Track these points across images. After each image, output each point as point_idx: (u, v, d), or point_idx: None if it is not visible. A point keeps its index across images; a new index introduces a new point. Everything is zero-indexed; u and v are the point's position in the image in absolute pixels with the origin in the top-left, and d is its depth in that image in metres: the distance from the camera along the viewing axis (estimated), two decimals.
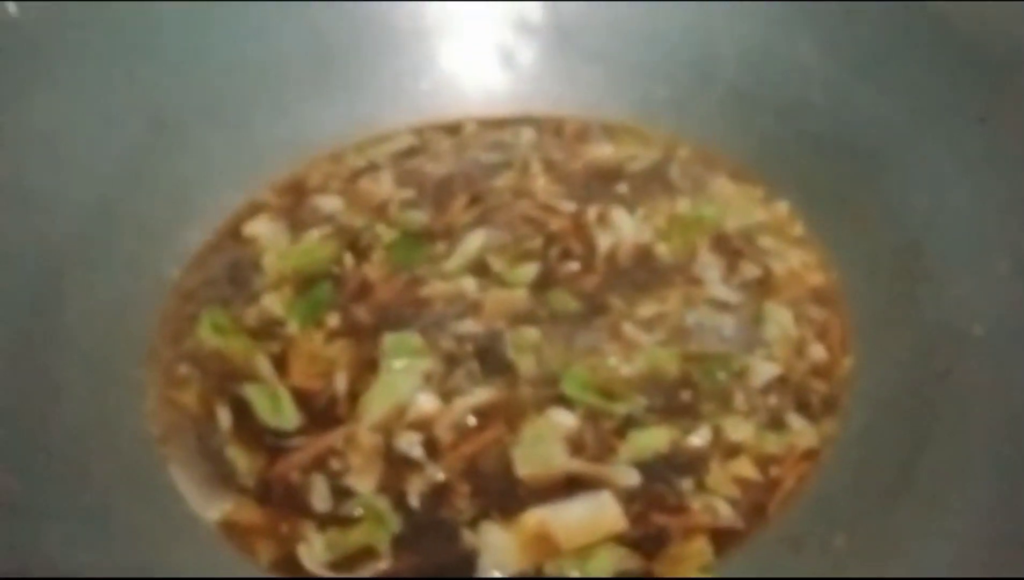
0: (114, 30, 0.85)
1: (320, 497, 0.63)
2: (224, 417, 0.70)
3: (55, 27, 0.81)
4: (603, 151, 0.95)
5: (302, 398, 0.71)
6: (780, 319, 0.74)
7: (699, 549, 0.59)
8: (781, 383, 0.69)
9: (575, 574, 0.58)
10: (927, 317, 0.69)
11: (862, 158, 0.82)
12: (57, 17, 0.81)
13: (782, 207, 0.85)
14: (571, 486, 0.63)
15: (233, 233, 0.88)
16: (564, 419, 0.68)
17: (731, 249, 0.82)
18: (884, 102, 0.81)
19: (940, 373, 0.65)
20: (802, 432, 0.66)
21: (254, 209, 0.90)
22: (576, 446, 0.66)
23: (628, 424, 0.67)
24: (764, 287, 0.77)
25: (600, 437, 0.67)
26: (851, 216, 0.80)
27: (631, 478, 0.63)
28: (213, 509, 0.64)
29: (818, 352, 0.71)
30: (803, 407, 0.68)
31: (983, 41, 0.75)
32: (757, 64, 0.91)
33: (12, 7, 0.78)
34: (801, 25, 0.87)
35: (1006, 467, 0.57)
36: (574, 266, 0.81)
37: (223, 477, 0.66)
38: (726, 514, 0.61)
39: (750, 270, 0.79)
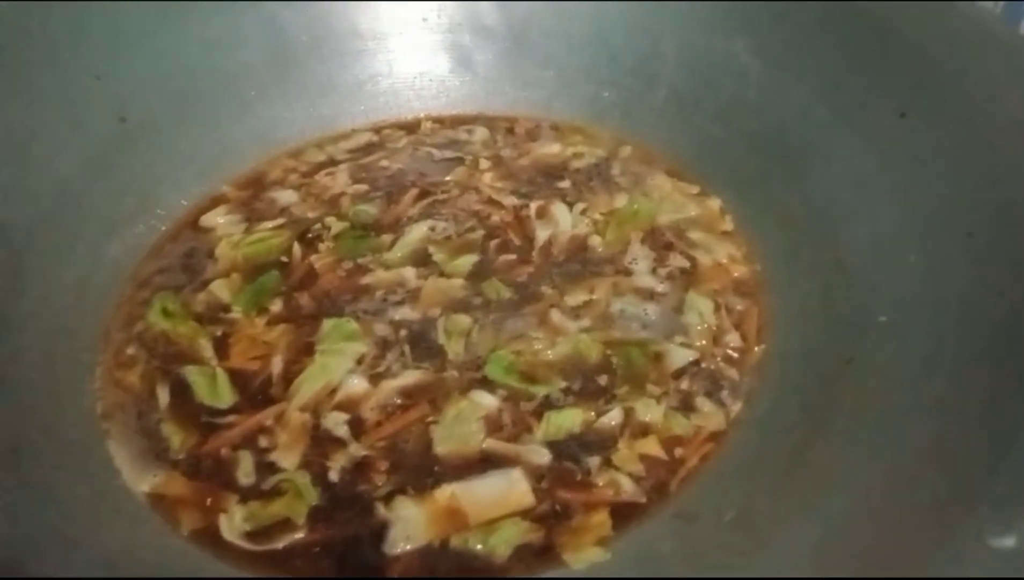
0: (79, 28, 0.89)
1: (245, 472, 0.67)
2: (163, 395, 0.73)
3: (20, 24, 0.85)
4: (551, 149, 0.99)
5: (239, 379, 0.74)
6: (701, 308, 0.76)
7: (599, 522, 0.61)
8: (695, 368, 0.72)
9: (478, 547, 0.60)
10: (838, 306, 0.72)
11: (790, 155, 0.84)
12: (22, 15, 0.85)
13: (714, 203, 0.88)
14: (485, 463, 0.66)
15: (191, 224, 0.92)
16: (485, 400, 0.70)
17: (662, 242, 0.84)
18: (812, 100, 0.84)
19: (845, 360, 0.67)
20: (710, 415, 0.68)
21: (214, 201, 0.94)
22: (494, 426, 0.69)
23: (545, 405, 0.70)
24: (689, 278, 0.80)
25: (518, 417, 0.69)
26: (777, 211, 0.82)
27: (542, 457, 0.66)
28: (144, 482, 0.67)
29: (734, 340, 0.74)
30: (714, 392, 0.70)
31: (905, 39, 0.77)
32: (697, 66, 0.94)
33: None
34: (737, 28, 0.90)
35: (895, 452, 0.58)
36: (511, 257, 0.84)
37: (157, 452, 0.69)
38: (629, 489, 0.63)
39: (678, 262, 0.82)
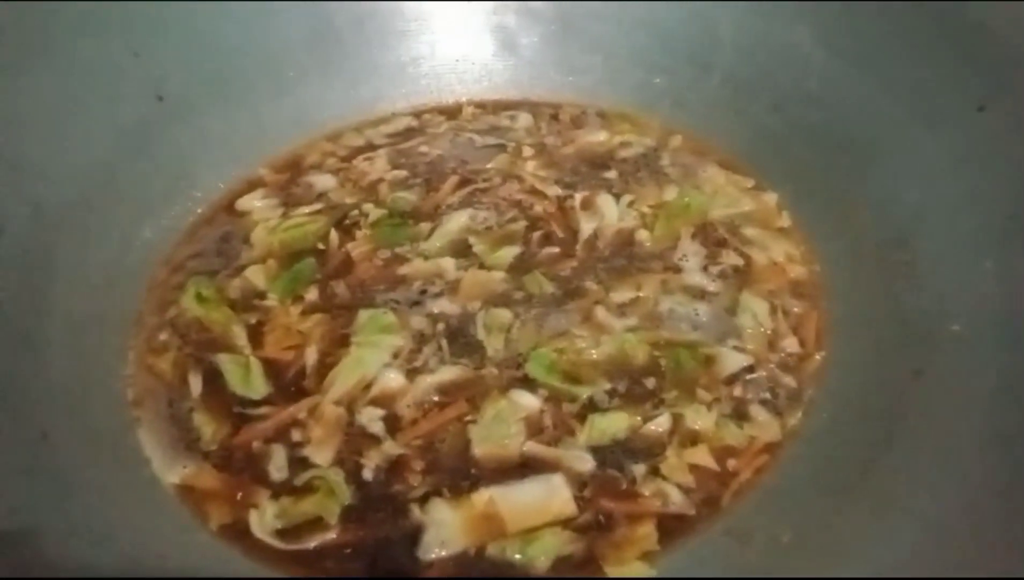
0: (117, 5, 0.87)
1: (277, 466, 0.64)
2: (195, 384, 0.71)
3: (59, 2, 0.83)
4: (596, 137, 0.95)
5: (273, 369, 0.72)
6: (755, 310, 0.72)
7: (644, 535, 0.58)
8: (749, 374, 0.68)
9: (516, 556, 0.58)
10: (906, 314, 0.67)
11: (854, 151, 0.79)
12: None
13: (770, 198, 0.83)
14: (525, 468, 0.63)
15: (227, 207, 0.90)
16: (526, 401, 0.67)
17: (714, 238, 0.80)
18: (880, 93, 0.79)
19: (913, 372, 0.63)
20: (765, 425, 0.65)
21: (250, 185, 0.92)
22: (535, 428, 0.66)
23: (589, 408, 0.67)
24: (743, 277, 0.76)
25: (560, 420, 0.66)
26: (838, 209, 0.78)
27: (585, 463, 0.63)
28: (173, 473, 0.65)
29: (791, 345, 0.70)
30: (769, 400, 0.66)
31: (983, 30, 0.72)
32: (754, 54, 0.89)
33: None
34: (799, 15, 0.85)
35: (966, 476, 0.54)
36: (554, 250, 0.81)
37: (188, 442, 0.68)
38: (677, 500, 0.60)
39: (731, 259, 0.78)
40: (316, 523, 0.61)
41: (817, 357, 0.69)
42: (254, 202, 0.89)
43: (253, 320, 0.76)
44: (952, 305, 0.64)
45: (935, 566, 0.50)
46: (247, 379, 0.71)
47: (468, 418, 0.67)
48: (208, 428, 0.68)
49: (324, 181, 0.91)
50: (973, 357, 0.60)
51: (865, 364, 0.66)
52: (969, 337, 0.61)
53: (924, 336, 0.64)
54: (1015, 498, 0.52)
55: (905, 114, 0.76)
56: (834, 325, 0.70)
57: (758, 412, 0.65)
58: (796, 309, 0.73)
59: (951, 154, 0.72)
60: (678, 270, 0.77)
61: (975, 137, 0.70)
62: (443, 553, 0.59)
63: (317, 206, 0.88)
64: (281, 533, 0.61)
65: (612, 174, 0.89)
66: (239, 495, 0.63)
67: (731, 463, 0.62)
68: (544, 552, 0.58)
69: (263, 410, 0.69)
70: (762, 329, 0.71)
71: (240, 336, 0.75)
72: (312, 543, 0.60)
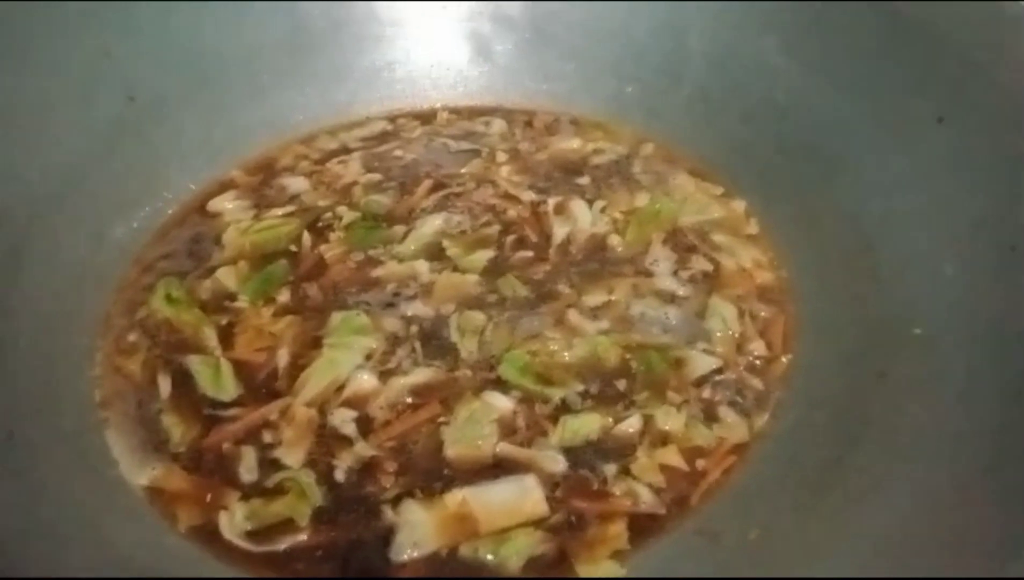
0: (90, 8, 0.86)
1: (247, 468, 0.64)
2: (164, 385, 0.71)
3: (30, 2, 0.82)
4: (570, 144, 0.96)
5: (244, 371, 0.71)
6: (724, 314, 0.73)
7: (615, 534, 0.59)
8: (717, 376, 0.69)
9: (488, 556, 0.58)
10: (870, 317, 0.69)
11: (821, 159, 0.81)
12: None
13: (738, 205, 0.85)
14: (498, 469, 0.63)
15: (199, 208, 0.89)
16: (499, 402, 0.68)
17: (684, 244, 0.82)
18: (845, 104, 0.81)
19: (877, 374, 0.64)
20: (733, 426, 0.66)
21: (222, 186, 0.92)
22: (508, 429, 0.66)
23: (562, 409, 0.67)
24: (712, 282, 0.77)
25: (533, 421, 0.67)
26: (805, 216, 0.79)
27: (557, 464, 0.64)
28: (142, 475, 0.65)
29: (759, 348, 0.71)
30: (737, 402, 0.67)
31: (943, 45, 0.74)
32: (724, 65, 0.91)
33: None
34: (767, 27, 0.87)
35: (929, 473, 0.56)
36: (528, 254, 0.82)
37: (156, 444, 0.67)
38: (647, 500, 0.61)
39: (700, 265, 0.79)
40: (287, 525, 0.61)
41: (784, 360, 0.70)
42: (225, 204, 0.89)
43: (224, 321, 0.76)
44: (915, 309, 0.66)
45: (899, 561, 0.51)
46: (217, 380, 0.70)
47: (441, 419, 0.67)
48: (177, 430, 0.67)
49: (297, 184, 0.91)
50: (935, 359, 0.62)
51: (831, 367, 0.68)
52: (931, 339, 0.63)
53: (888, 339, 0.66)
54: (976, 496, 0.53)
55: (869, 125, 0.79)
56: (801, 329, 0.72)
57: (726, 413, 0.66)
58: (764, 313, 0.74)
59: (913, 164, 0.74)
60: (649, 274, 0.79)
61: (936, 147, 0.73)
62: (415, 554, 0.59)
63: (290, 208, 0.88)
64: (251, 535, 0.60)
65: (585, 180, 0.90)
66: (208, 497, 0.63)
67: (700, 463, 0.63)
68: (516, 552, 0.58)
69: (233, 411, 0.68)
70: (730, 332, 0.72)
71: (210, 337, 0.74)
72: (283, 545, 0.60)
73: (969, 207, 0.68)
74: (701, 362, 0.70)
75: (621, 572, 0.57)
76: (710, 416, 0.66)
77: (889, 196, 0.75)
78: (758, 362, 0.70)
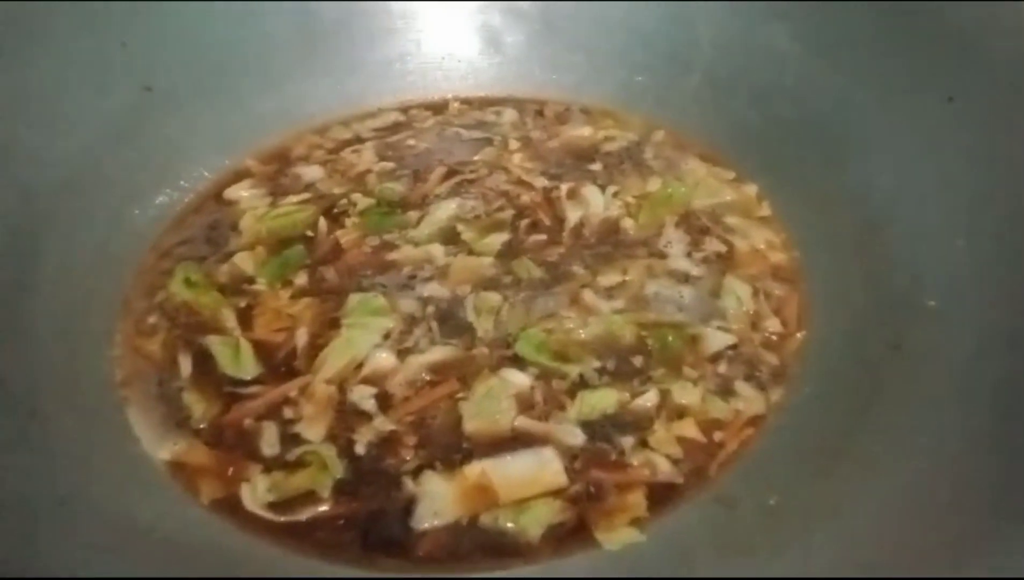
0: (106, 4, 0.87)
1: (269, 443, 0.65)
2: (185, 364, 0.71)
3: None
4: (581, 132, 0.97)
5: (263, 350, 0.72)
6: (739, 292, 0.74)
7: (634, 502, 0.59)
8: (733, 353, 0.70)
9: (509, 525, 0.58)
10: (883, 292, 0.69)
11: (830, 141, 0.82)
12: None
13: (750, 189, 0.85)
14: (516, 442, 0.64)
15: (215, 196, 0.90)
16: (516, 378, 0.68)
17: (697, 226, 0.82)
18: (854, 87, 0.82)
19: (891, 345, 0.65)
20: (750, 399, 0.66)
21: (238, 175, 0.93)
22: (526, 404, 0.67)
23: (579, 385, 0.68)
24: (726, 262, 0.78)
25: (550, 396, 0.67)
26: (816, 198, 0.80)
27: (575, 437, 0.64)
28: (164, 450, 0.65)
29: (773, 325, 0.72)
30: (752, 376, 0.68)
31: (951, 26, 0.75)
32: (732, 50, 0.92)
33: None
34: (774, 14, 0.88)
35: (943, 439, 0.56)
36: (541, 237, 0.82)
37: (178, 421, 0.67)
38: (665, 470, 0.61)
39: (714, 246, 0.80)
40: (308, 496, 0.61)
41: (798, 336, 0.71)
42: (242, 192, 0.90)
43: (242, 304, 0.76)
44: (927, 282, 0.67)
45: (914, 531, 0.52)
46: (237, 360, 0.71)
47: (459, 395, 0.67)
48: (199, 407, 0.68)
49: (312, 172, 0.92)
50: (948, 329, 0.63)
51: (844, 341, 0.68)
52: (944, 311, 0.64)
53: (901, 312, 0.67)
54: (989, 459, 0.54)
55: (878, 107, 0.79)
56: (814, 306, 0.73)
57: (743, 387, 0.67)
58: (777, 292, 0.75)
59: (922, 143, 0.75)
60: (663, 256, 0.79)
61: (944, 127, 0.74)
62: (436, 523, 0.59)
63: (305, 196, 0.89)
64: (273, 506, 0.61)
65: (597, 166, 0.91)
66: (230, 470, 0.63)
67: (717, 435, 0.64)
68: (537, 521, 0.59)
69: (254, 389, 0.69)
70: (745, 310, 0.73)
71: (229, 318, 0.75)
72: (304, 515, 0.60)
73: (978, 183, 0.69)
74: (716, 339, 0.70)
75: (641, 538, 0.57)
76: (726, 390, 0.67)
77: (898, 175, 0.76)
78: (773, 338, 0.71)
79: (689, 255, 0.79)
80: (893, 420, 0.59)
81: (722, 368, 0.69)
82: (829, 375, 0.66)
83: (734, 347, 0.70)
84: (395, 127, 0.99)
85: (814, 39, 0.86)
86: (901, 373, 0.62)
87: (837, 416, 0.62)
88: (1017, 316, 0.59)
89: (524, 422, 0.65)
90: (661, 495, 0.60)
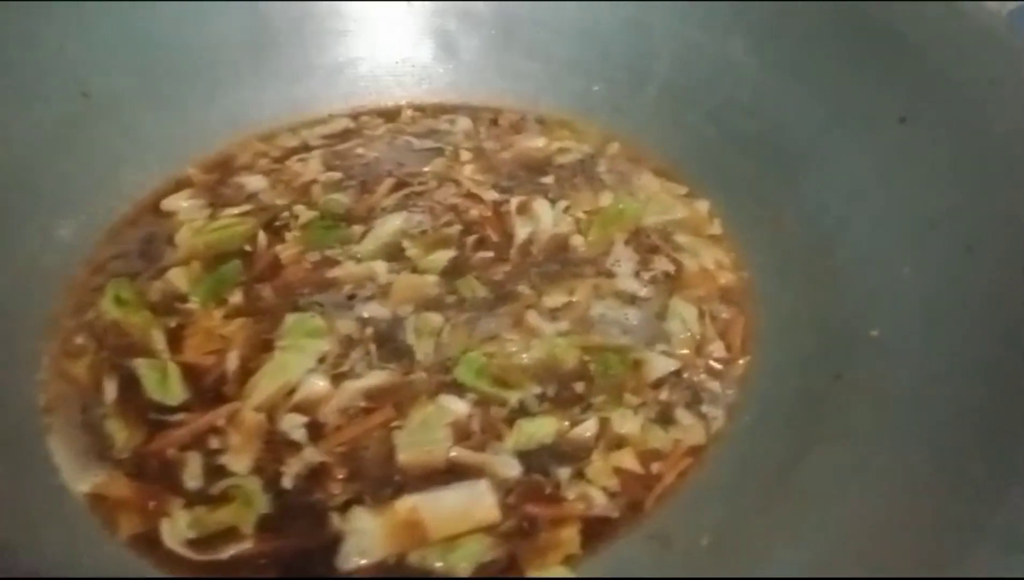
0: (45, 3, 0.83)
1: (192, 475, 0.62)
2: (110, 389, 0.69)
3: None
4: (535, 143, 0.95)
5: (192, 374, 0.69)
6: (684, 315, 0.72)
7: (567, 538, 0.58)
8: (676, 378, 0.68)
9: (438, 564, 0.56)
10: (828, 319, 0.68)
11: (784, 160, 0.81)
12: None
13: (702, 205, 0.84)
14: (450, 475, 0.62)
15: (153, 207, 0.87)
16: (454, 406, 0.66)
17: (647, 244, 0.81)
18: (810, 105, 0.80)
19: (833, 375, 0.64)
20: (690, 428, 0.65)
21: (178, 185, 0.90)
22: (462, 433, 0.65)
23: (518, 412, 0.66)
24: (674, 283, 0.77)
25: (488, 425, 0.65)
26: (768, 217, 0.79)
27: (512, 469, 0.62)
28: (84, 481, 0.62)
29: (718, 350, 0.70)
30: (694, 404, 0.67)
31: (905, 46, 0.74)
32: (690, 62, 0.90)
33: None
34: (733, 26, 0.87)
35: (886, 476, 0.55)
36: (488, 254, 0.80)
37: (100, 450, 0.65)
38: (601, 503, 0.60)
39: (663, 265, 0.78)
40: (231, 533, 0.59)
41: (742, 362, 0.69)
42: (180, 202, 0.87)
43: (173, 323, 0.74)
44: (872, 311, 0.66)
45: (852, 565, 0.51)
46: (164, 384, 0.68)
47: (394, 424, 0.65)
48: (121, 435, 0.65)
49: (255, 182, 0.89)
50: (889, 361, 0.61)
51: (788, 369, 0.67)
52: (887, 341, 0.63)
53: (844, 341, 0.65)
54: (929, 497, 0.52)
55: (832, 125, 0.78)
56: (760, 330, 0.71)
57: (683, 415, 0.66)
58: (724, 314, 0.73)
59: (875, 164, 0.74)
60: (611, 275, 0.78)
61: (897, 148, 0.72)
62: (363, 562, 0.57)
63: (246, 207, 0.86)
64: (193, 543, 0.58)
65: (549, 179, 0.89)
66: (151, 504, 0.61)
67: (655, 466, 0.62)
68: (466, 558, 0.57)
69: (180, 417, 0.66)
70: (690, 334, 0.71)
71: (159, 340, 0.72)
72: (226, 553, 0.58)
73: (927, 207, 0.67)
74: (660, 364, 0.69)
75: (571, 576, 0.55)
76: (667, 418, 0.66)
77: (850, 197, 0.74)
78: (717, 364, 0.69)
79: (637, 275, 0.77)
80: (831, 456, 0.58)
81: (664, 395, 0.67)
82: (770, 404, 0.65)
83: (677, 373, 0.69)
84: (345, 134, 0.97)
85: (771, 54, 0.84)
86: (841, 405, 0.61)
87: (776, 449, 0.61)
88: (958, 350, 0.57)
89: (460, 453, 0.63)
90: (595, 530, 0.59)
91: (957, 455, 0.53)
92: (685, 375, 0.69)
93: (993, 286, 0.58)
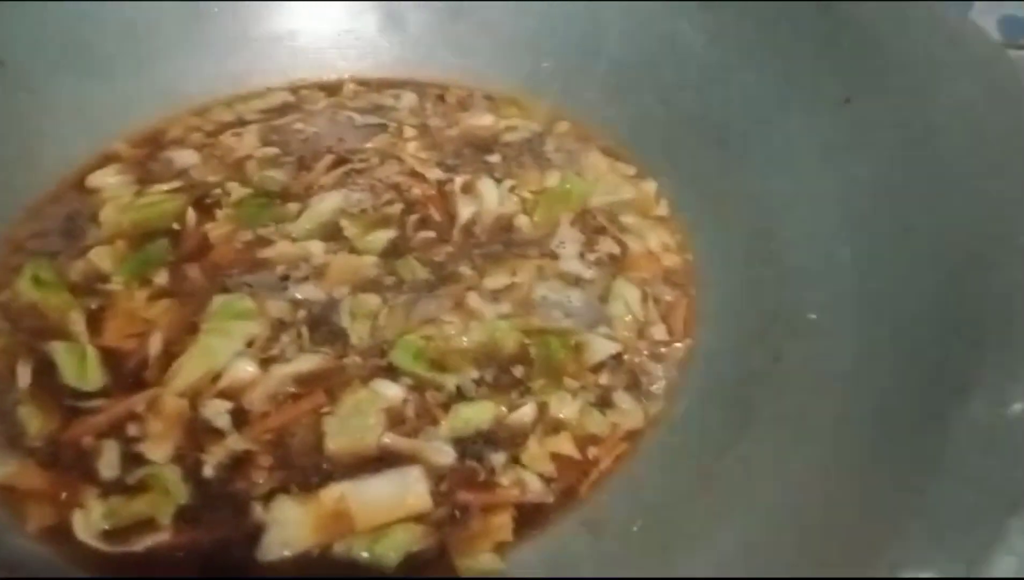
0: None
1: (108, 464, 0.59)
2: (24, 374, 0.65)
3: None
4: (482, 121, 0.92)
5: (112, 359, 0.66)
6: (627, 298, 0.71)
7: (499, 525, 0.56)
8: (616, 362, 0.67)
9: (363, 554, 0.55)
10: (768, 302, 0.67)
11: (731, 140, 0.79)
12: None
13: (649, 186, 0.82)
14: (381, 462, 0.60)
15: (77, 184, 0.82)
16: (388, 390, 0.64)
17: (593, 225, 0.79)
18: (755, 84, 0.79)
19: (772, 358, 0.63)
20: (628, 412, 0.64)
21: (105, 160, 0.85)
22: (396, 419, 0.63)
23: (455, 397, 0.64)
24: (618, 265, 0.75)
25: (423, 410, 0.63)
26: (714, 198, 0.78)
27: (445, 456, 0.60)
28: None
29: (659, 333, 0.69)
30: (634, 387, 0.65)
31: (850, 25, 0.73)
32: (640, 42, 0.88)
33: None
34: (683, 5, 0.84)
35: (820, 459, 0.54)
36: (430, 234, 0.78)
37: (10, 438, 0.61)
38: (535, 489, 0.58)
39: (608, 247, 0.77)
40: (147, 524, 0.56)
41: (682, 345, 0.68)
42: (106, 178, 0.82)
43: (94, 305, 0.70)
44: (811, 294, 0.65)
45: (781, 552, 0.50)
46: (82, 369, 0.65)
47: (325, 410, 0.63)
48: (34, 422, 0.62)
49: (185, 157, 0.85)
50: (825, 344, 0.61)
51: (728, 352, 0.66)
52: (823, 325, 0.62)
53: (783, 323, 0.65)
54: (863, 480, 0.52)
55: (778, 106, 0.77)
56: (702, 313, 0.70)
57: (622, 399, 0.64)
58: (667, 297, 0.72)
59: (818, 145, 0.73)
60: (555, 257, 0.76)
61: (840, 129, 0.71)
62: (285, 553, 0.55)
63: (176, 184, 0.82)
64: (108, 535, 0.56)
65: (495, 158, 0.87)
66: (64, 495, 0.58)
67: (592, 451, 0.61)
68: (394, 549, 0.55)
69: (97, 403, 0.63)
70: (632, 317, 0.70)
71: (78, 322, 0.68)
72: (141, 546, 0.55)
73: (868, 189, 0.67)
74: (601, 347, 0.67)
75: (501, 565, 0.54)
76: (605, 402, 0.64)
77: (793, 178, 0.74)
78: (658, 347, 0.68)
79: (582, 256, 0.76)
80: (766, 438, 0.57)
81: (604, 378, 0.66)
82: (709, 388, 0.64)
83: (618, 356, 0.67)
84: (283, 109, 0.93)
85: (719, 33, 0.83)
86: (777, 388, 0.60)
87: (712, 432, 0.60)
88: (896, 333, 0.57)
89: (392, 439, 0.61)
90: (529, 517, 0.57)
91: (892, 438, 0.52)
92: (626, 358, 0.67)
93: (931, 268, 0.57)
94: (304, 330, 0.68)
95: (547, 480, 0.59)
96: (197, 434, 0.61)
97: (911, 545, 0.41)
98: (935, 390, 0.51)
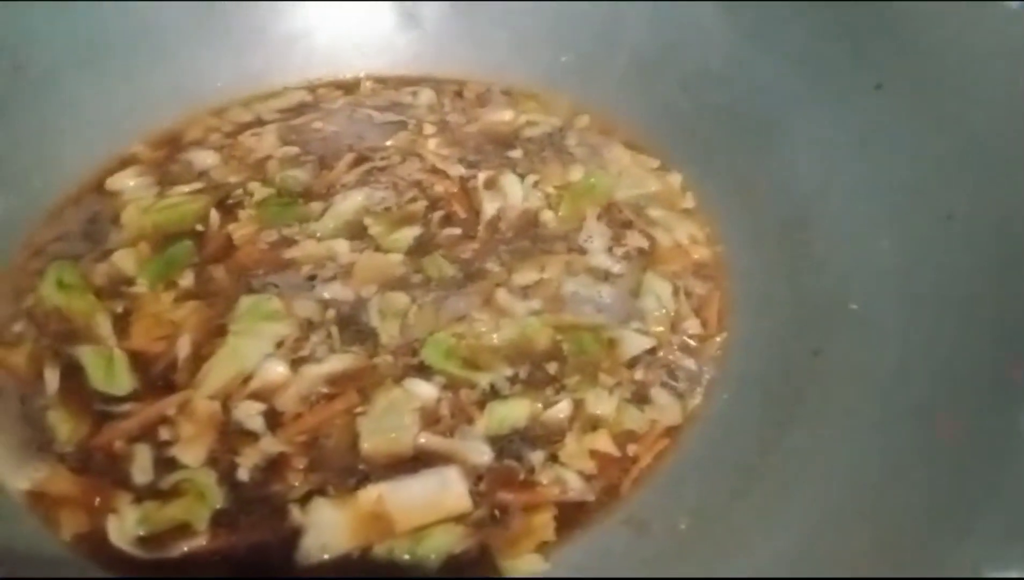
0: None
1: (141, 468, 0.58)
2: (52, 379, 0.64)
3: None
4: (502, 116, 0.91)
5: (140, 362, 0.65)
6: (659, 291, 0.70)
7: (541, 524, 0.55)
8: (651, 357, 0.66)
9: (405, 556, 0.54)
10: (806, 293, 0.66)
11: (757, 130, 0.78)
12: None
13: (675, 178, 0.81)
14: (418, 462, 0.59)
15: (97, 186, 0.82)
16: (421, 390, 0.63)
17: (619, 219, 0.78)
18: (783, 73, 0.78)
19: (812, 352, 0.62)
20: (666, 408, 0.63)
21: (124, 162, 0.84)
22: (430, 418, 0.62)
23: (489, 395, 0.63)
24: (647, 258, 0.74)
25: (458, 408, 0.62)
26: (742, 189, 0.77)
27: (482, 455, 0.60)
28: (22, 478, 0.58)
29: (693, 327, 0.68)
30: (670, 383, 0.64)
31: (880, 10, 0.71)
32: (660, 32, 0.87)
33: None
34: None
35: (866, 455, 0.53)
36: (455, 231, 0.77)
37: (40, 444, 0.60)
38: (576, 486, 0.57)
39: (635, 241, 0.75)
40: (183, 529, 0.55)
41: (718, 338, 0.67)
42: (126, 181, 0.82)
43: (119, 308, 0.69)
44: (850, 284, 0.64)
45: (832, 549, 0.49)
46: (110, 373, 0.64)
47: (358, 410, 0.62)
48: (65, 427, 0.61)
49: (205, 158, 0.84)
50: (871, 335, 0.60)
51: (765, 344, 0.65)
52: (867, 316, 0.61)
53: (823, 315, 0.64)
54: (912, 476, 0.51)
55: (806, 93, 0.76)
56: (735, 306, 0.69)
57: (659, 395, 0.63)
58: (699, 290, 0.71)
59: (850, 134, 0.72)
60: (583, 251, 0.75)
61: (872, 116, 0.70)
62: (324, 557, 0.54)
63: (197, 185, 0.81)
64: (142, 541, 0.55)
65: (517, 153, 0.86)
66: (97, 500, 0.57)
67: (631, 448, 0.60)
68: (435, 550, 0.54)
69: (127, 407, 0.62)
70: (664, 311, 0.69)
71: (104, 326, 0.68)
72: (177, 552, 0.54)
73: (905, 177, 0.66)
74: (634, 342, 0.66)
75: (545, 566, 0.53)
76: (642, 398, 0.63)
77: (826, 167, 0.72)
78: (692, 341, 0.67)
79: (610, 250, 0.75)
80: (811, 434, 0.56)
81: (639, 374, 0.65)
82: (748, 382, 0.63)
83: (652, 351, 0.66)
84: (301, 108, 0.92)
85: (742, 21, 0.82)
86: (820, 382, 0.59)
87: (754, 428, 0.59)
88: (941, 322, 0.56)
89: (428, 439, 0.60)
90: (570, 516, 0.56)
91: (935, 433, 0.51)
92: (660, 353, 0.66)
93: (974, 255, 0.56)
94: (334, 330, 0.67)
95: (587, 478, 0.59)
96: (230, 437, 0.60)
97: (991, 543, 0.40)
98: (985, 377, 0.50)
